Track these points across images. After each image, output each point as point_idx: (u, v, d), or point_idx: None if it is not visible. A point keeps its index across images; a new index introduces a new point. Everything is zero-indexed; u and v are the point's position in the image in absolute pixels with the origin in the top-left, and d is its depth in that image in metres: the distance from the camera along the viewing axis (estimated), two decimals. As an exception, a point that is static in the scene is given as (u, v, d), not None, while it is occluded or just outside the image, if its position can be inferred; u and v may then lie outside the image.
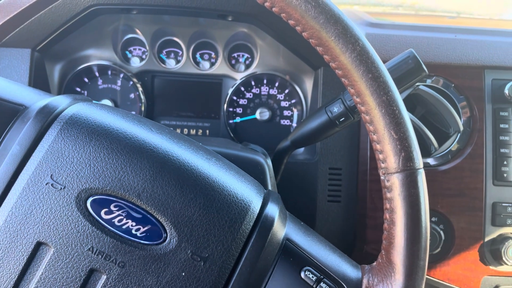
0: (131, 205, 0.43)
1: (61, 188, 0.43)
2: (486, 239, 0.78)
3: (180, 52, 0.94)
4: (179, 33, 0.92)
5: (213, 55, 0.95)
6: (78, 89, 0.92)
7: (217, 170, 0.48)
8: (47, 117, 0.46)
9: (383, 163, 0.44)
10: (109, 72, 0.93)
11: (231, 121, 0.95)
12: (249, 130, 0.95)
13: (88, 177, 0.43)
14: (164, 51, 0.94)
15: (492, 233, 0.78)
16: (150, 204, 0.43)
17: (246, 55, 0.95)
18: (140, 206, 0.43)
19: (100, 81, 0.93)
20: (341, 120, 0.66)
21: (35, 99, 0.49)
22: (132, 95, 0.94)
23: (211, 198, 0.45)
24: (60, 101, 0.48)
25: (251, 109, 0.95)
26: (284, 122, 0.96)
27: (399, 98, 0.43)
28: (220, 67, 0.94)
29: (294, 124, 0.95)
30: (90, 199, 0.43)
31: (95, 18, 0.81)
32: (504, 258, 0.75)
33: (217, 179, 0.46)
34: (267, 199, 0.49)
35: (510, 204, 0.77)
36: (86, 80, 0.92)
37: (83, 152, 0.44)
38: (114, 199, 0.43)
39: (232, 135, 0.95)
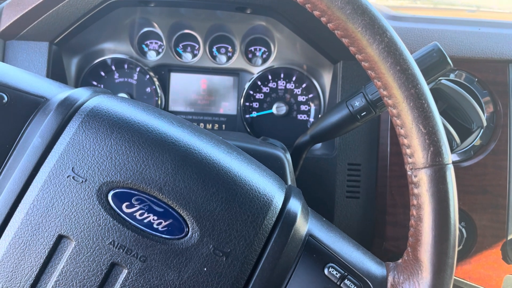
0: (152, 198, 0.43)
1: (82, 181, 0.42)
2: (509, 237, 0.76)
3: (197, 46, 0.94)
4: (196, 27, 0.92)
5: (230, 48, 0.94)
6: (95, 83, 0.92)
7: (239, 164, 0.47)
8: (68, 109, 0.45)
9: (410, 158, 0.42)
10: (126, 66, 0.93)
11: (247, 116, 0.94)
12: (266, 124, 0.94)
13: (109, 170, 0.43)
14: (180, 45, 0.94)
15: (515, 232, 0.76)
16: (172, 198, 0.43)
17: (263, 49, 0.94)
18: (162, 200, 0.43)
19: (116, 75, 0.93)
20: (362, 114, 0.64)
21: (56, 92, 0.48)
22: (148, 89, 0.94)
23: (233, 193, 0.44)
24: (80, 94, 0.47)
25: (267, 103, 0.94)
26: (301, 117, 0.94)
27: (427, 91, 0.42)
28: (237, 61, 0.93)
29: (311, 119, 0.94)
30: (112, 192, 0.43)
31: (113, 11, 0.81)
32: (527, 257, 0.73)
33: (239, 173, 0.46)
34: (289, 194, 0.48)
35: (535, 202, 0.75)
36: (102, 73, 0.92)
37: (104, 145, 0.43)
38: (136, 192, 0.43)
39: (248, 129, 0.94)
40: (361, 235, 0.80)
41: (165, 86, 0.94)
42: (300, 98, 0.94)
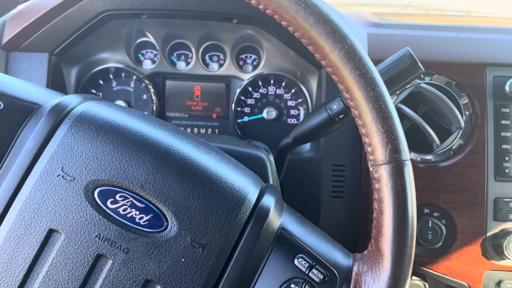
0: (135, 195, 0.47)
1: (71, 180, 0.46)
2: (488, 234, 0.79)
3: (190, 54, 0.98)
4: (188, 36, 0.96)
5: (221, 56, 0.98)
6: (94, 91, 0.97)
7: (216, 163, 0.51)
8: (59, 114, 0.49)
9: (371, 155, 0.46)
10: (123, 75, 0.97)
11: (239, 120, 0.98)
12: (257, 129, 0.98)
13: (95, 169, 0.47)
14: (174, 54, 0.98)
15: (494, 228, 0.79)
16: (152, 194, 0.46)
17: (253, 56, 0.98)
18: (143, 196, 0.47)
19: (114, 83, 0.97)
20: (340, 117, 0.68)
21: (49, 98, 0.53)
22: (144, 96, 0.98)
23: (210, 189, 0.48)
24: (71, 100, 0.52)
25: (258, 108, 0.98)
26: (290, 121, 0.98)
27: (386, 93, 0.45)
28: (228, 68, 0.97)
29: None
30: (98, 189, 0.47)
31: (108, 23, 0.85)
32: (506, 253, 0.76)
33: (216, 171, 0.49)
34: (264, 191, 0.52)
35: (512, 199, 0.78)
36: (101, 82, 0.97)
37: (91, 147, 0.48)
38: (119, 189, 0.47)
39: (240, 133, 0.98)
40: (346, 234, 0.83)
41: (160, 93, 0.99)
42: (289, 103, 0.98)
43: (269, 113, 0.97)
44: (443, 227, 0.78)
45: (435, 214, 0.79)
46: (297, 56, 0.90)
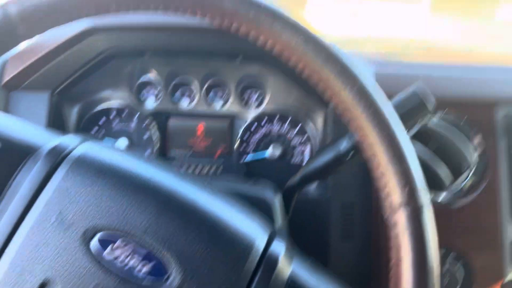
0: (136, 242, 0.44)
1: (68, 226, 0.44)
2: (507, 278, 0.75)
3: (193, 92, 0.97)
4: (192, 74, 0.95)
5: (225, 93, 0.97)
6: (95, 130, 0.95)
7: (222, 207, 0.48)
8: (56, 157, 0.47)
9: (387, 198, 0.43)
10: (124, 113, 0.96)
11: (243, 159, 0.96)
12: (261, 167, 0.96)
13: (94, 215, 0.44)
14: (177, 91, 0.97)
15: (513, 274, 0.75)
16: (154, 241, 0.44)
17: (257, 93, 0.96)
18: (145, 243, 0.44)
19: (115, 122, 0.96)
20: (350, 155, 0.66)
21: (47, 140, 0.51)
22: (146, 135, 0.96)
23: (215, 235, 0.45)
24: (69, 142, 0.49)
25: (262, 146, 0.96)
26: (296, 159, 0.96)
27: (402, 131, 0.43)
28: (232, 105, 0.96)
29: (306, 161, 0.95)
30: (96, 236, 0.44)
31: (110, 61, 0.85)
32: (526, 298, 0.72)
33: (221, 216, 0.47)
34: (272, 236, 0.49)
35: (529, 242, 0.75)
36: (102, 121, 0.95)
37: (90, 191, 0.45)
38: (119, 236, 0.44)
39: (244, 172, 0.95)
40: (357, 278, 0.79)
41: (162, 132, 0.97)
42: (295, 141, 0.96)
43: (273, 151, 0.95)
44: (460, 271, 0.74)
45: (450, 257, 0.75)
46: (302, 93, 0.88)
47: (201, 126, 0.98)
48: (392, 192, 0.43)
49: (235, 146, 0.95)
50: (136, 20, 0.74)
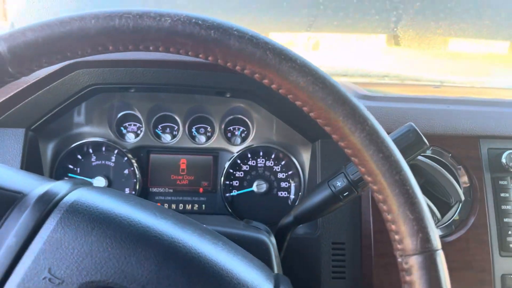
0: (135, 299, 0.40)
1: (59, 283, 0.40)
2: (499, 314, 0.75)
3: (176, 127, 0.94)
4: (175, 109, 0.93)
5: (209, 129, 0.95)
6: (71, 166, 0.90)
7: (225, 256, 0.46)
8: (46, 205, 0.43)
9: (399, 244, 0.42)
10: (103, 149, 0.92)
11: (228, 195, 0.93)
12: (247, 203, 0.93)
13: (89, 269, 0.40)
14: (159, 126, 0.94)
15: (505, 308, 0.75)
16: None
17: (241, 128, 0.95)
18: (144, 300, 0.40)
19: (93, 158, 0.92)
20: (345, 194, 0.65)
21: (34, 186, 0.47)
22: (126, 171, 0.92)
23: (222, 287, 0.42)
24: (60, 187, 0.46)
25: (247, 181, 0.94)
26: (281, 194, 0.94)
27: (411, 177, 0.42)
28: (216, 141, 0.94)
29: (292, 196, 0.94)
30: (91, 294, 0.40)
31: (92, 97, 0.81)
32: (519, 334, 0.71)
33: (226, 266, 0.44)
34: (277, 285, 0.46)
35: (520, 276, 0.75)
36: (79, 157, 0.91)
37: (84, 242, 0.41)
38: (117, 292, 0.40)
39: (229, 208, 0.92)
40: (349, 318, 0.77)
41: (143, 168, 0.93)
42: (280, 175, 0.94)
43: (259, 186, 0.93)
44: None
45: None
46: (288, 128, 0.87)
47: (183, 161, 0.95)
48: (405, 238, 0.41)
49: (221, 181, 0.93)
50: (119, 56, 0.72)
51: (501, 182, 0.79)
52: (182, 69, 0.74)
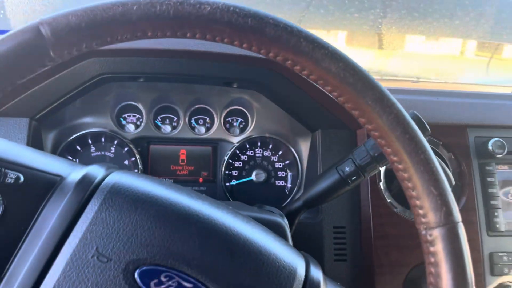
0: (181, 274, 0.42)
1: (107, 261, 0.41)
2: (488, 288, 0.81)
3: (175, 118, 0.95)
4: (176, 100, 0.94)
5: (207, 120, 0.97)
6: (70, 157, 0.90)
7: (259, 234, 0.48)
8: (87, 187, 0.45)
9: (423, 218, 0.46)
10: (103, 139, 0.92)
11: (227, 184, 0.95)
12: (245, 191, 0.96)
13: (135, 247, 0.42)
14: (159, 117, 0.95)
15: (492, 283, 0.81)
16: (201, 272, 0.42)
17: (240, 119, 0.97)
18: (191, 275, 0.42)
19: (93, 149, 0.91)
20: (353, 178, 0.68)
21: (70, 169, 0.48)
22: (126, 162, 0.93)
23: (261, 263, 0.44)
24: (97, 171, 0.47)
25: (246, 171, 0.96)
26: (279, 183, 0.97)
27: (434, 156, 0.46)
28: (216, 131, 0.96)
29: (289, 185, 0.97)
30: (138, 270, 0.41)
31: (100, 86, 0.81)
32: (506, 307, 0.78)
33: (263, 243, 0.46)
34: (307, 262, 0.49)
35: (505, 254, 0.81)
36: (78, 147, 0.90)
37: (129, 222, 0.43)
38: (164, 269, 0.42)
39: (229, 197, 0.95)
40: (351, 298, 0.81)
41: (144, 158, 0.94)
42: (278, 165, 0.97)
43: (258, 176, 0.95)
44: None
45: (436, 272, 0.80)
46: (287, 119, 0.91)
47: (183, 152, 0.96)
48: (429, 212, 0.45)
49: (222, 171, 0.95)
50: (130, 44, 0.72)
51: (487, 168, 0.86)
52: (192, 59, 0.76)
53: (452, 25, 1.63)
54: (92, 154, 0.91)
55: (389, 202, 0.83)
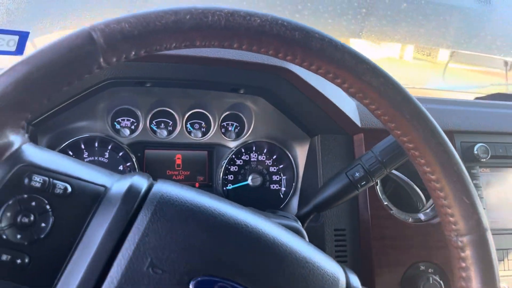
0: (235, 284, 0.43)
1: (162, 272, 0.41)
2: None
3: (171, 123, 0.94)
4: (174, 105, 0.93)
5: (203, 124, 0.96)
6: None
7: (301, 242, 0.49)
8: (135, 198, 0.44)
9: (455, 225, 0.49)
10: (96, 144, 0.89)
11: (224, 188, 0.96)
12: (241, 195, 0.96)
13: (189, 258, 0.42)
14: (154, 122, 0.93)
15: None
16: (253, 281, 0.43)
17: (235, 124, 0.98)
18: (244, 285, 0.43)
19: (85, 154, 0.88)
20: (362, 183, 0.71)
21: (112, 180, 0.47)
22: (121, 167, 0.90)
23: (307, 271, 0.46)
24: (141, 181, 0.46)
25: (242, 175, 0.97)
26: (274, 186, 0.99)
27: (464, 168, 0.50)
28: (213, 136, 0.95)
29: (283, 188, 0.99)
30: (193, 281, 0.42)
31: (104, 91, 0.79)
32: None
33: (306, 251, 0.48)
34: (346, 270, 0.51)
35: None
36: (70, 152, 0.87)
37: (181, 233, 0.43)
38: (218, 279, 0.42)
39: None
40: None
41: (139, 163, 0.92)
42: (273, 169, 0.99)
43: (254, 180, 0.96)
44: (442, 282, 0.83)
45: (430, 270, 0.85)
46: (285, 123, 0.92)
47: (179, 157, 0.95)
48: (460, 220, 0.48)
49: (219, 175, 0.95)
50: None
51: (472, 171, 0.92)
52: (200, 65, 0.75)
53: (418, 33, 1.71)
54: (85, 160, 0.88)
55: (386, 204, 0.87)
